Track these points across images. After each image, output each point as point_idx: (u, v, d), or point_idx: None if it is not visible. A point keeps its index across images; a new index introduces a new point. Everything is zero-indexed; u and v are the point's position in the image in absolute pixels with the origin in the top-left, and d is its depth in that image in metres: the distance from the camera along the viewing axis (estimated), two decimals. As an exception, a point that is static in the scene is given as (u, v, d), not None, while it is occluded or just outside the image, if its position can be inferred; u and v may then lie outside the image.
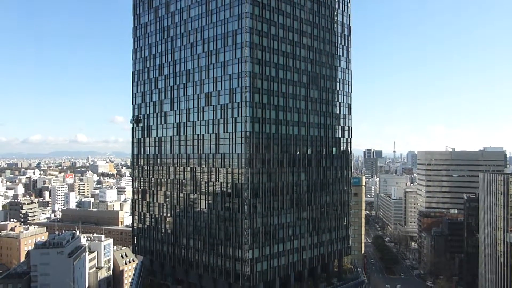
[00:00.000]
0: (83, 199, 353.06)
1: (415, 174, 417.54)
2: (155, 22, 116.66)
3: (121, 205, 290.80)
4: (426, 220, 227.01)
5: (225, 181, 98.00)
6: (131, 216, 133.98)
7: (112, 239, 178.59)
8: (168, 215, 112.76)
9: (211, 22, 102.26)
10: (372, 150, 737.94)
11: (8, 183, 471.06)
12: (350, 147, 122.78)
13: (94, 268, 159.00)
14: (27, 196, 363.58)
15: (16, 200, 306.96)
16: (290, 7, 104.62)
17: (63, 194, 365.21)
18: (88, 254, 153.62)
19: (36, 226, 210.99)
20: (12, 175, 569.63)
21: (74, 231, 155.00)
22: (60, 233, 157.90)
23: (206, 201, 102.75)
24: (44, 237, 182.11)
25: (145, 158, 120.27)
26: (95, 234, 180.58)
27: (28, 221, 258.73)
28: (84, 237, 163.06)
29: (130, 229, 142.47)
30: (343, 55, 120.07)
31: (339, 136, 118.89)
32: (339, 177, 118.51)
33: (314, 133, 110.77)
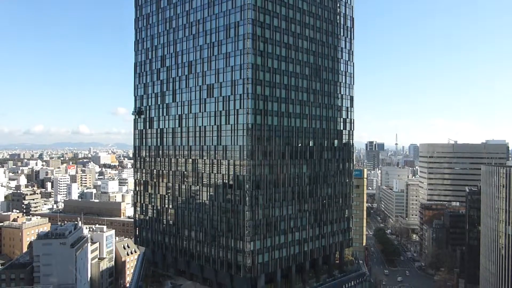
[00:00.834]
0: (85, 190, 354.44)
1: (417, 167, 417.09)
2: (157, 13, 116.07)
3: (123, 196, 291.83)
4: (428, 212, 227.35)
5: (226, 173, 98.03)
6: (133, 207, 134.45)
7: (114, 230, 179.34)
8: (170, 206, 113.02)
9: (213, 14, 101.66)
10: (374, 143, 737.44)
11: (10, 174, 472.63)
12: (352, 139, 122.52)
13: (96, 259, 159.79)
14: (30, 187, 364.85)
15: (18, 191, 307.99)
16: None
17: (66, 185, 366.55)
18: (90, 245, 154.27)
19: (39, 217, 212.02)
20: (15, 166, 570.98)
21: (76, 222, 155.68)
22: (63, 224, 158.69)
23: (208, 193, 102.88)
24: (46, 227, 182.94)
25: (147, 150, 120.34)
26: (97, 225, 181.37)
27: (31, 212, 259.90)
28: (86, 228, 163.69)
29: (132, 220, 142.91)
30: (345, 47, 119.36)
31: (341, 128, 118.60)
32: (341, 169, 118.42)
33: (316, 125, 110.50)
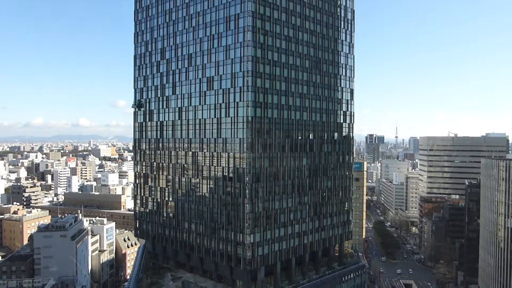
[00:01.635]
0: (85, 183, 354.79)
1: (416, 160, 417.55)
2: (157, 5, 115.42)
3: (123, 189, 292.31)
4: (427, 205, 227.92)
5: (226, 165, 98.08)
6: (133, 200, 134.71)
7: (114, 223, 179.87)
8: (170, 199, 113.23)
9: (213, 6, 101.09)
10: (374, 136, 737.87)
11: (10, 166, 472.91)
12: (352, 132, 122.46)
13: (97, 251, 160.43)
14: (30, 179, 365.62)
15: (18, 184, 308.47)
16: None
17: (66, 177, 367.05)
18: (91, 237, 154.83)
19: (39, 209, 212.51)
20: (15, 159, 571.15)
21: (76, 215, 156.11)
22: (63, 216, 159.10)
23: (208, 186, 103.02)
24: (47, 220, 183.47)
25: (147, 142, 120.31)
26: (97, 218, 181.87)
27: (31, 204, 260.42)
28: (86, 220, 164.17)
29: (132, 212, 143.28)
30: (346, 40, 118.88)
31: (341, 121, 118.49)
32: (341, 162, 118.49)
33: (316, 118, 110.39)
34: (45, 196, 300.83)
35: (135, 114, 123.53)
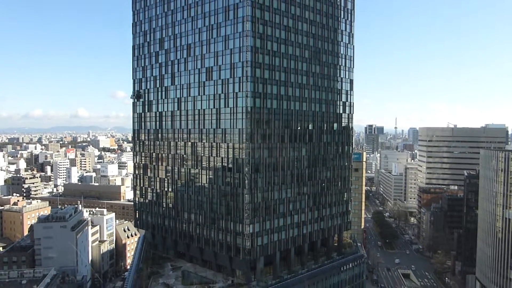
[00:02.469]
0: (84, 174, 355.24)
1: (416, 151, 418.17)
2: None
3: (122, 179, 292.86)
4: (426, 196, 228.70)
5: (226, 156, 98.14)
6: (132, 191, 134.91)
7: (114, 213, 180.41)
8: (170, 189, 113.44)
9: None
10: (374, 126, 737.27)
11: (9, 157, 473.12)
12: (352, 122, 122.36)
13: (97, 242, 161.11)
14: (29, 170, 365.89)
15: (18, 175, 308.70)
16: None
17: (65, 168, 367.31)
18: (91, 228, 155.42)
19: (39, 201, 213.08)
20: (14, 150, 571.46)
21: (76, 205, 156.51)
22: (63, 207, 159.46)
23: (207, 176, 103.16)
24: (47, 211, 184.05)
25: (146, 133, 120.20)
26: (97, 208, 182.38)
27: (31, 196, 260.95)
28: (86, 211, 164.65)
29: (132, 203, 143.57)
30: (346, 30, 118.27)
31: (341, 111, 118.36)
32: (340, 152, 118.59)
33: (316, 108, 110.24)
34: (45, 187, 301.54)
35: (134, 105, 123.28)
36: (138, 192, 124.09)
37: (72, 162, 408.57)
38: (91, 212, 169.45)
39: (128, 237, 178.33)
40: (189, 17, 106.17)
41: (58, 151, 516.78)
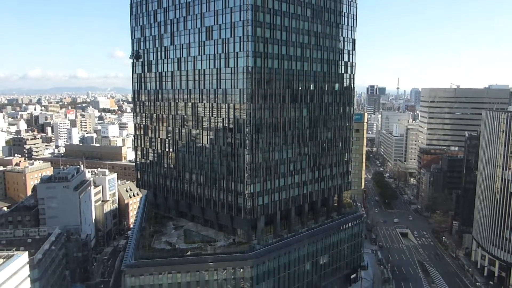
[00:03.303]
0: (85, 135, 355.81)
1: (417, 112, 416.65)
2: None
3: (123, 140, 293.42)
4: (426, 157, 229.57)
5: (226, 116, 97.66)
6: (134, 152, 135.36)
7: (116, 174, 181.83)
8: (171, 150, 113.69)
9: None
10: (376, 87, 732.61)
11: (10, 119, 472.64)
12: (353, 83, 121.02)
13: (100, 201, 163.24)
14: (30, 132, 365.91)
15: (19, 136, 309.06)
16: None
17: (66, 130, 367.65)
18: (94, 188, 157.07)
19: (41, 161, 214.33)
20: (13, 111, 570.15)
21: (78, 166, 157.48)
22: (65, 168, 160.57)
23: (208, 137, 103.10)
24: (49, 172, 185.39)
25: (146, 94, 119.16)
26: (99, 169, 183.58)
27: (32, 157, 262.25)
28: (88, 171, 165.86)
29: (133, 164, 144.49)
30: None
31: (342, 71, 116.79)
32: (341, 113, 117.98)
33: (317, 68, 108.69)
34: (46, 148, 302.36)
35: (133, 65, 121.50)
36: (139, 153, 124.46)
37: (73, 123, 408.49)
38: (93, 173, 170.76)
39: (130, 197, 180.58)
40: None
41: (58, 112, 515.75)
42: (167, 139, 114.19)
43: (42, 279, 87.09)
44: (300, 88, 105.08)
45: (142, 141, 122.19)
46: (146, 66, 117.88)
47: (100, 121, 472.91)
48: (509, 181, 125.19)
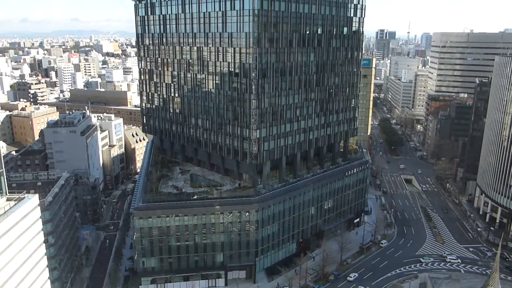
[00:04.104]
0: (90, 80, 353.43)
1: (428, 57, 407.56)
2: None
3: (128, 85, 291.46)
4: (434, 103, 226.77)
5: (232, 61, 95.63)
6: (139, 96, 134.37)
7: (122, 119, 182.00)
8: (176, 95, 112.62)
9: None
10: (385, 31, 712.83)
11: (13, 63, 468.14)
12: (362, 27, 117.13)
13: (107, 146, 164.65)
14: (34, 76, 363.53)
15: (23, 80, 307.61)
16: None
17: (70, 74, 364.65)
18: (100, 133, 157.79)
19: (46, 106, 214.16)
20: (16, 55, 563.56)
21: (84, 111, 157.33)
22: (70, 112, 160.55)
23: (214, 81, 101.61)
24: (55, 116, 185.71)
25: (150, 38, 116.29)
26: (104, 114, 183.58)
27: (38, 101, 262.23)
28: (94, 116, 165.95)
29: (139, 109, 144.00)
30: None
31: (351, 15, 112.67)
32: (349, 58, 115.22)
33: (325, 11, 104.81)
34: (51, 93, 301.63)
35: (136, 7, 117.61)
36: (144, 97, 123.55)
37: (76, 68, 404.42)
38: (99, 118, 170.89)
39: (136, 142, 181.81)
40: None
41: (61, 56, 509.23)
42: (172, 84, 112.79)
43: (53, 220, 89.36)
44: (308, 32, 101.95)
45: (147, 86, 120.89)
46: (149, 8, 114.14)
47: (104, 66, 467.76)
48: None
